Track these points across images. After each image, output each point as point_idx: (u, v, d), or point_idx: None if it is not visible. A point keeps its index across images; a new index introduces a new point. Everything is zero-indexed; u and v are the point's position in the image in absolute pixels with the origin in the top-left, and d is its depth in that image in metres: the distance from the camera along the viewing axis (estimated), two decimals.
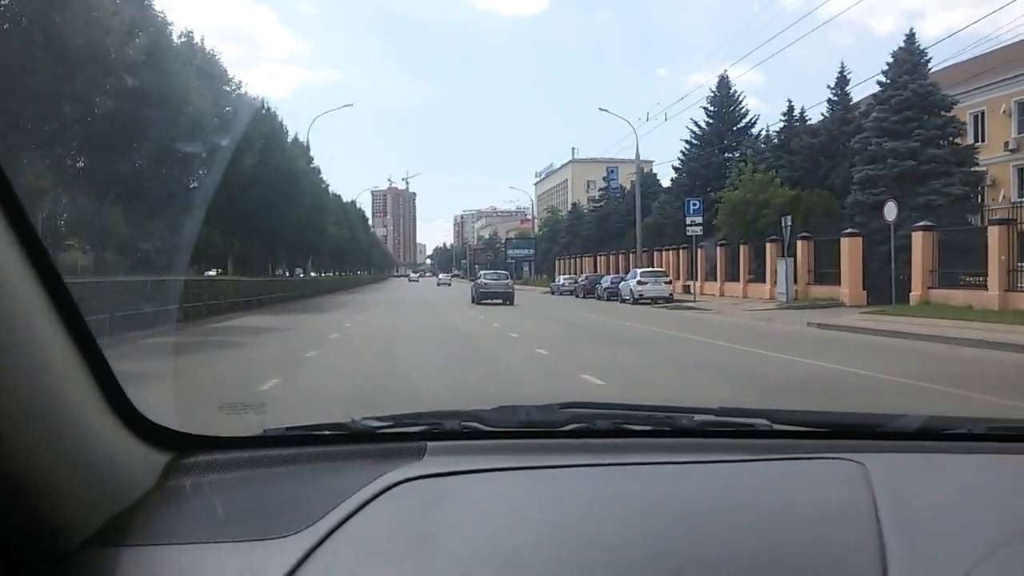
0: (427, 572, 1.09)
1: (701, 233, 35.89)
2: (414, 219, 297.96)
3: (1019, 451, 1.57)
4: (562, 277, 57.17)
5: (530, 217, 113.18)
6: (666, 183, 60.41)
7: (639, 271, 38.59)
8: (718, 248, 38.24)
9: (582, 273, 61.30)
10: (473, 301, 36.64)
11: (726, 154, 50.75)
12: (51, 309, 1.01)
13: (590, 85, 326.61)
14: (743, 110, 51.34)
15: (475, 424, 1.55)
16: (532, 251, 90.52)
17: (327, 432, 1.55)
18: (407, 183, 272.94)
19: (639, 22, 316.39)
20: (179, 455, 1.36)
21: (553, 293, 55.06)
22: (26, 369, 0.96)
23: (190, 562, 1.10)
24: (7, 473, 0.95)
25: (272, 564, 1.06)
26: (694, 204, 36.70)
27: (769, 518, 1.25)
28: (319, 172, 47.99)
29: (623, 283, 39.26)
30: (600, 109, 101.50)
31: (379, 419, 1.56)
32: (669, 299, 36.03)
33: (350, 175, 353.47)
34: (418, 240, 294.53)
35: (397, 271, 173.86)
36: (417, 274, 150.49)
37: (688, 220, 35.93)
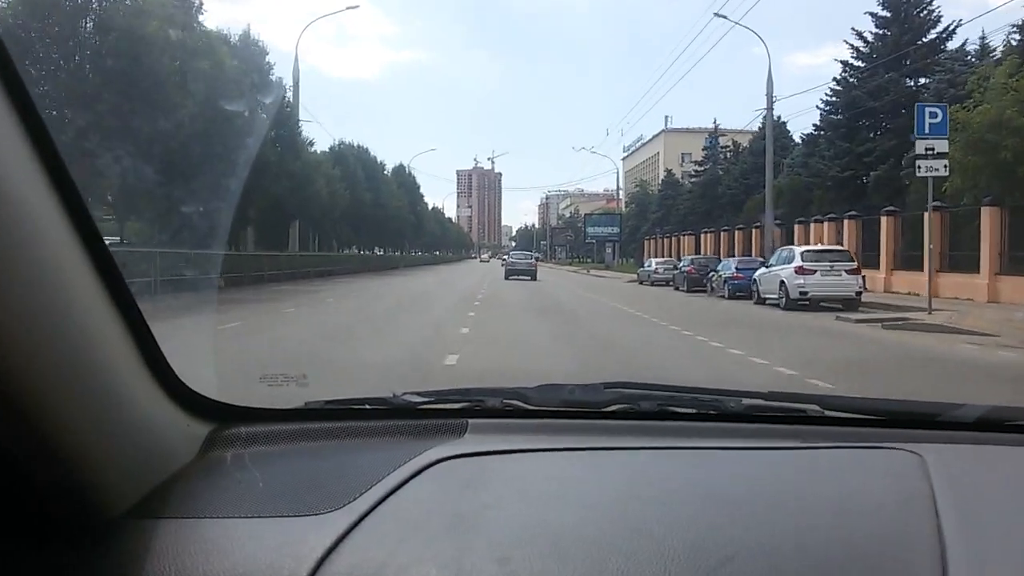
0: (467, 553, 1.03)
1: (945, 174, 17.48)
2: (499, 200, 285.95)
3: None
4: (654, 261, 40.03)
5: (617, 197, 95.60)
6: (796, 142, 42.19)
7: (801, 250, 21.12)
8: (933, 213, 19.34)
9: (682, 256, 44.20)
10: (505, 278, 39.71)
11: (909, 81, 32.55)
12: (94, 275, 0.98)
13: (682, 61, 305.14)
14: (935, 13, 32.78)
15: (517, 402, 1.49)
16: (616, 229, 73.24)
17: (368, 407, 1.51)
18: (492, 162, 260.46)
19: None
20: (220, 426, 1.32)
21: (642, 282, 38.30)
22: (70, 335, 0.93)
23: (230, 535, 1.05)
24: (51, 439, 0.92)
25: (312, 540, 1.01)
26: (932, 114, 16.52)
27: (821, 508, 1.17)
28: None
29: (765, 272, 22.09)
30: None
31: (420, 394, 1.52)
32: (854, 301, 18.95)
33: (436, 156, 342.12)
34: (504, 222, 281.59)
35: (479, 252, 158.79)
36: (488, 254, 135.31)
37: (919, 150, 16.60)
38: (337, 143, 45.35)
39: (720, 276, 26.33)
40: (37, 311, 0.86)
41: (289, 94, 32.57)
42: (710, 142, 54.76)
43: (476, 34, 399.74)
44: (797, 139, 44.59)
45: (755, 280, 22.61)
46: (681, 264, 33.20)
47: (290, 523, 1.07)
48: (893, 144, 31.01)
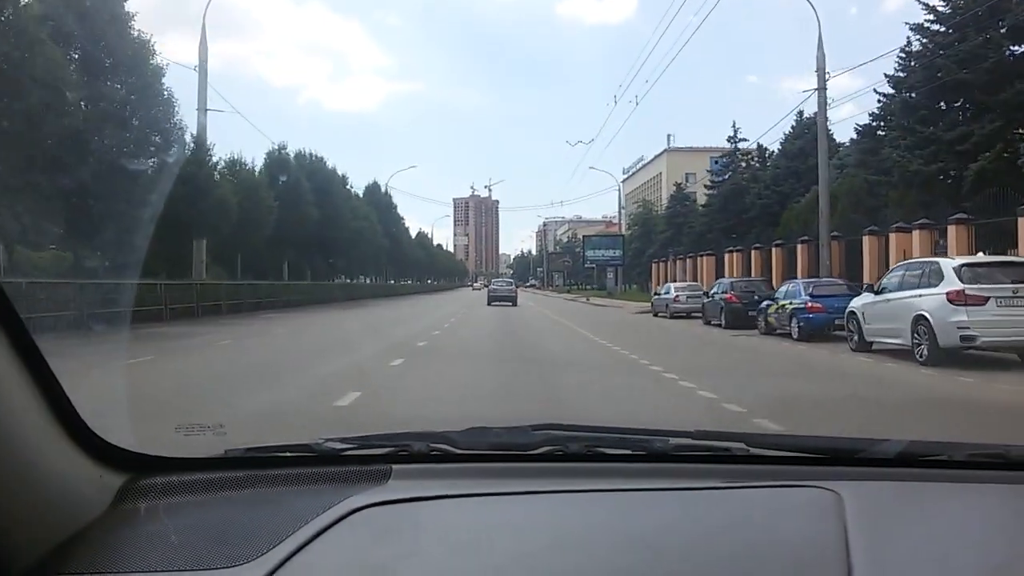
0: None
1: None
2: (496, 228, 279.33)
3: (998, 480, 1.45)
4: (673, 286, 30.70)
5: (616, 222, 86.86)
6: (843, 134, 33.50)
7: (957, 263, 11.91)
8: None
9: (700, 280, 35.53)
10: (488, 304, 40.63)
11: (1013, 48, 24.12)
12: None
13: (680, 91, 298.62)
14: None
15: (444, 446, 1.44)
16: (618, 252, 64.68)
17: (289, 454, 1.45)
18: (489, 190, 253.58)
19: (728, 28, 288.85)
20: (134, 477, 1.27)
21: (656, 313, 29.68)
22: None
23: None
24: None
25: None
26: None
27: (743, 549, 1.17)
28: None
29: (874, 302, 13.36)
30: None
31: (343, 440, 1.46)
32: None
33: (433, 184, 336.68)
34: (502, 250, 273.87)
35: (474, 280, 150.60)
36: (481, 283, 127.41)
37: None
38: (277, 149, 36.88)
39: (782, 307, 17.66)
40: None
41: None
42: (730, 144, 46.14)
43: (473, 64, 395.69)
44: (840, 138, 36.29)
45: (854, 313, 13.94)
46: (715, 290, 24.35)
47: None
48: (997, 127, 22.59)
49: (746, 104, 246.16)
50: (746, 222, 39.16)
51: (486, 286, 64.50)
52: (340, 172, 46.16)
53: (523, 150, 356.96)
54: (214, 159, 26.59)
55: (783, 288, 19.01)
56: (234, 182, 27.63)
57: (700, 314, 25.47)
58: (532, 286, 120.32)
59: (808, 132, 37.19)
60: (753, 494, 1.34)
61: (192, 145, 24.59)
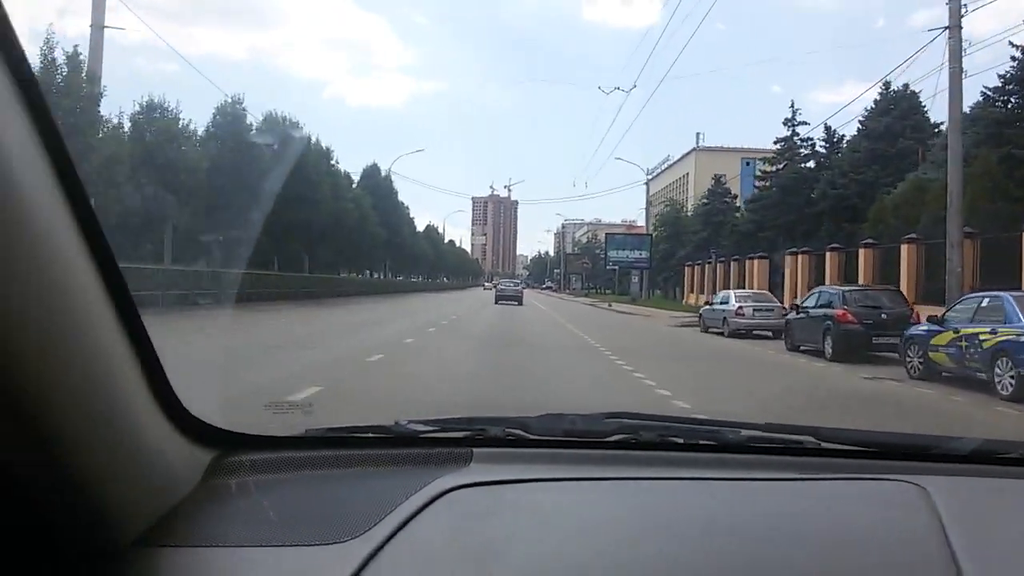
0: None
1: None
2: (515, 228, 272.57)
3: None
4: (733, 294, 22.34)
5: (639, 224, 79.03)
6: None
7: None
8: None
9: (748, 287, 27.82)
10: (495, 302, 40.26)
11: None
12: (107, 299, 0.93)
13: (702, 98, 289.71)
14: None
15: (519, 431, 1.47)
16: (645, 253, 56.89)
17: (371, 435, 1.48)
18: (509, 190, 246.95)
19: (754, 36, 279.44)
20: (223, 454, 1.28)
21: (707, 329, 22.26)
22: (80, 359, 0.88)
23: (244, 565, 1.03)
24: (64, 466, 0.88)
25: (331, 570, 0.99)
26: None
27: (827, 538, 1.15)
28: None
29: None
30: None
31: (424, 423, 1.49)
32: None
33: (455, 183, 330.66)
34: (520, 251, 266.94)
35: (488, 280, 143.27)
36: (491, 284, 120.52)
37: None
38: (231, 102, 28.52)
39: (972, 339, 10.00)
40: (52, 335, 0.82)
41: None
42: (787, 129, 38.23)
43: (497, 65, 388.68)
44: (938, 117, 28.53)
45: None
46: (811, 302, 16.38)
47: (307, 552, 1.04)
48: None
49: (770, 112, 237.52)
50: (810, 218, 31.40)
51: (518, 285, 58.88)
52: (325, 145, 38.86)
53: (545, 152, 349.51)
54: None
55: (963, 304, 11.27)
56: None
57: (771, 333, 17.85)
58: (548, 288, 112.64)
59: (895, 108, 29.42)
60: (831, 486, 1.33)
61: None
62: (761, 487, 1.33)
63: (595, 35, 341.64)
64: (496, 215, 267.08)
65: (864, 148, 29.41)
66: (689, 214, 61.34)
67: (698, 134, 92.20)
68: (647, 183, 71.30)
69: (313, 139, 36.01)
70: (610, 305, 44.25)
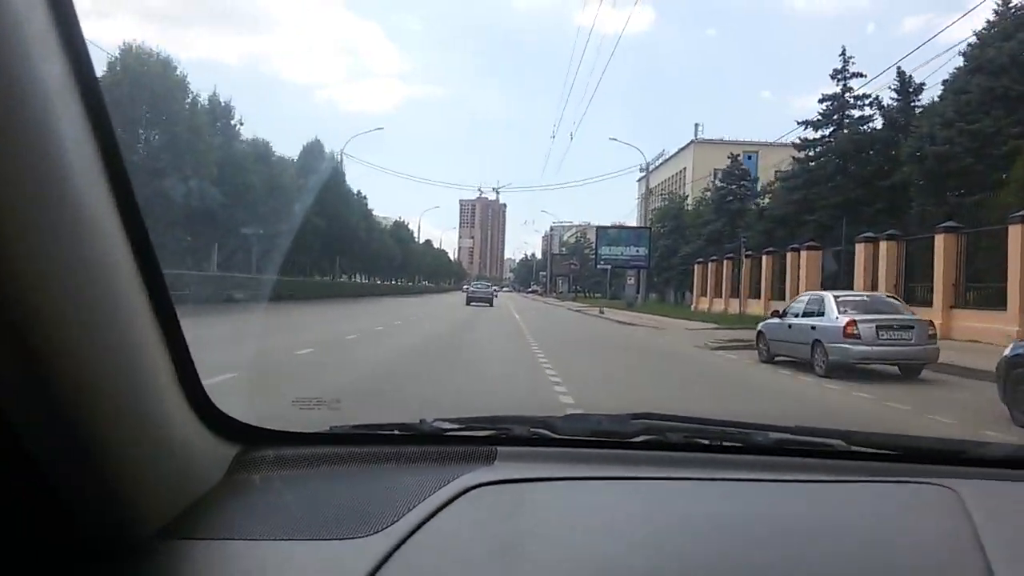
0: None
1: None
2: (503, 231, 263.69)
3: None
4: (832, 300, 11.58)
5: (644, 209, 69.13)
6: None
7: None
8: None
9: (802, 290, 18.34)
10: (466, 303, 39.99)
11: None
12: (143, 292, 0.93)
13: (694, 104, 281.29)
14: None
15: (544, 431, 1.44)
16: (643, 250, 47.27)
17: (396, 432, 1.45)
18: (497, 193, 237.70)
19: (745, 43, 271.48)
20: (247, 448, 1.27)
21: (770, 356, 12.74)
22: (113, 353, 0.88)
23: (267, 558, 1.02)
24: (93, 452, 0.88)
25: (352, 564, 0.98)
26: None
27: (859, 540, 1.11)
28: None
29: None
30: None
31: (449, 421, 1.47)
32: None
33: (444, 188, 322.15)
34: (507, 255, 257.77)
35: (470, 283, 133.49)
36: (477, 286, 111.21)
37: None
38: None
39: None
40: (90, 327, 0.82)
41: None
42: (837, 83, 28.43)
43: (490, 71, 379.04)
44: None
45: None
46: None
47: (327, 547, 1.03)
48: None
49: (762, 116, 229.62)
50: (886, 192, 21.82)
51: (504, 288, 52.18)
52: (224, 100, 29.12)
53: (536, 159, 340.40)
54: None
55: None
56: None
57: (896, 368, 8.40)
58: (533, 292, 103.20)
59: None
60: (862, 488, 1.30)
61: None
62: (789, 489, 1.30)
63: (586, 41, 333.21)
64: (484, 218, 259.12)
65: (978, 87, 19.77)
66: (690, 208, 51.98)
67: (696, 125, 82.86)
68: (644, 169, 61.54)
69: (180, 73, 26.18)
70: (601, 312, 34.54)
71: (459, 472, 1.24)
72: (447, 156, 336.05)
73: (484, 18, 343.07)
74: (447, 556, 1.04)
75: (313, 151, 42.59)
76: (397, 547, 1.00)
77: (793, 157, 30.11)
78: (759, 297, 28.66)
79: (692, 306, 38.21)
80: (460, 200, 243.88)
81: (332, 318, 22.67)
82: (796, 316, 12.43)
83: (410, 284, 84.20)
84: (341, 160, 45.38)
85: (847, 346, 10.75)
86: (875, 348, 10.70)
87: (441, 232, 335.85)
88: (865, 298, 12.34)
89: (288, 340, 12.53)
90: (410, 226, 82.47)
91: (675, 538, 1.11)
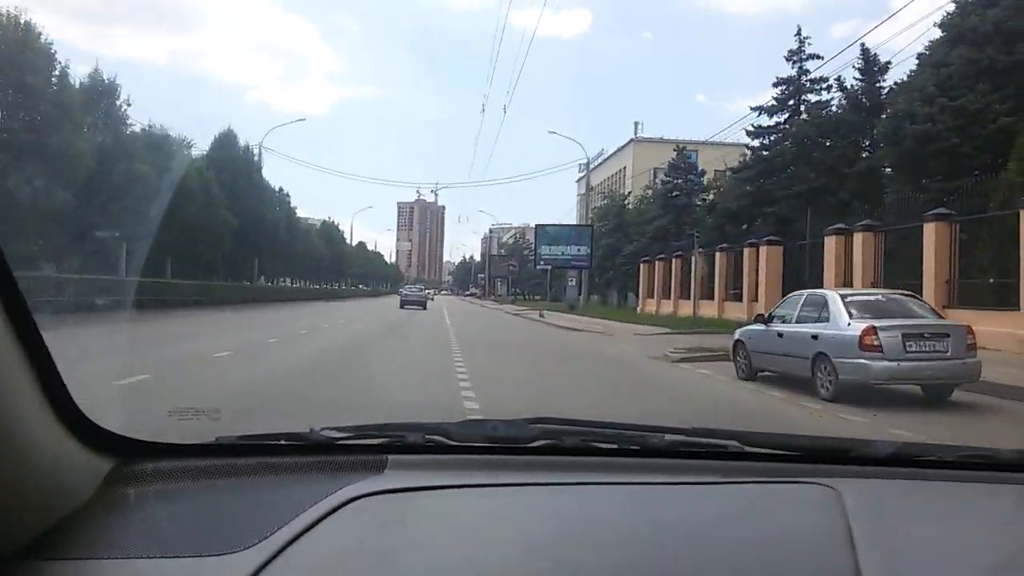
0: None
1: None
2: (442, 234, 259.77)
3: (989, 479, 1.41)
4: (838, 300, 8.79)
5: (585, 205, 66.48)
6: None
7: None
8: None
9: (772, 293, 15.92)
10: (400, 307, 38.90)
11: None
12: None
13: (630, 107, 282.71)
14: None
15: (439, 438, 1.40)
16: (585, 249, 44.77)
17: (284, 442, 1.39)
18: (436, 195, 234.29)
19: (680, 47, 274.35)
20: (123, 462, 1.21)
21: (752, 372, 10.02)
22: None
23: None
24: None
25: None
26: None
27: (742, 543, 1.14)
28: None
29: None
30: None
31: (338, 429, 1.40)
32: None
33: (381, 192, 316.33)
34: (447, 257, 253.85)
35: (405, 287, 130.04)
36: (410, 289, 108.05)
37: None
38: None
39: None
40: None
41: None
42: (792, 66, 26.17)
43: (426, 72, 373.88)
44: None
45: None
46: None
47: (196, 563, 0.99)
48: None
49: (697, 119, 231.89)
50: (855, 179, 19.52)
51: (442, 292, 51.27)
52: (108, 78, 25.28)
53: (474, 161, 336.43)
54: None
55: None
56: None
57: (920, 389, 5.90)
58: (472, 295, 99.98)
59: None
60: (750, 489, 1.31)
61: None
62: (684, 491, 1.30)
63: (524, 43, 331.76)
64: (422, 221, 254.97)
65: (960, 59, 17.55)
66: (631, 207, 49.66)
67: (636, 123, 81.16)
68: (585, 168, 59.10)
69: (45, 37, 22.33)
70: (541, 315, 31.71)
71: (346, 482, 1.19)
72: (383, 157, 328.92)
73: (422, 19, 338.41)
74: (318, 570, 0.99)
75: (225, 143, 38.67)
76: (268, 562, 0.96)
77: (746, 146, 27.81)
78: (712, 298, 26.28)
79: (638, 308, 35.72)
80: (398, 203, 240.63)
81: (227, 327, 19.36)
82: (787, 321, 9.69)
83: (342, 288, 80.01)
84: (260, 154, 41.58)
85: (865, 362, 8.01)
86: (903, 364, 7.98)
87: (377, 235, 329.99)
88: (880, 298, 9.61)
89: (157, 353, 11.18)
90: (342, 228, 78.52)
91: (566, 543, 1.09)
